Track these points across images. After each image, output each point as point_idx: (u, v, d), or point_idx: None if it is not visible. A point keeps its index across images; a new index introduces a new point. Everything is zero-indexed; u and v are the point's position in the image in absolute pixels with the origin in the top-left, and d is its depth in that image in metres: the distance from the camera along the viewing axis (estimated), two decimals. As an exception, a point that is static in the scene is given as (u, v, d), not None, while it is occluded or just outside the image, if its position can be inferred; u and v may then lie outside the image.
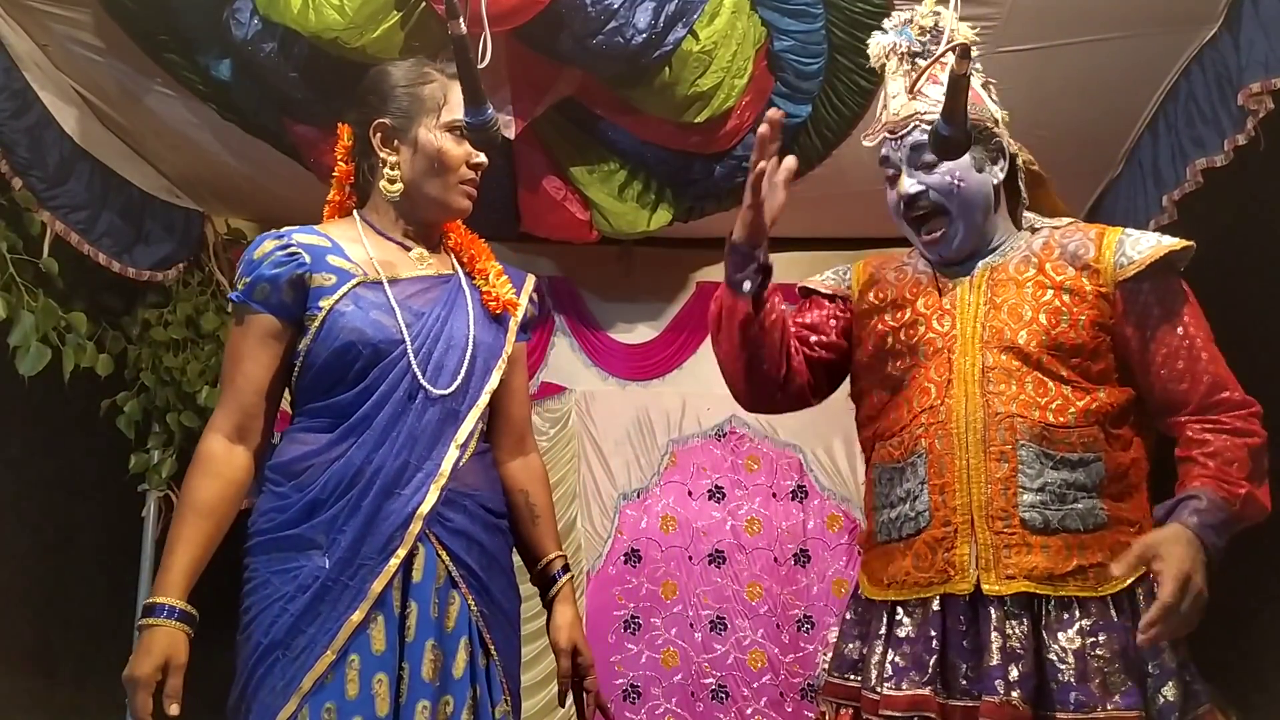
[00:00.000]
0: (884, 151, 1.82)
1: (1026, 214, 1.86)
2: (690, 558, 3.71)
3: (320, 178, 3.04)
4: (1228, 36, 2.60)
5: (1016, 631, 1.58)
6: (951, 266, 1.79)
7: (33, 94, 2.76)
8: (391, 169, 1.79)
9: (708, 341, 3.82)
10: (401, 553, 1.65)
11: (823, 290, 1.92)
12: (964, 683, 1.59)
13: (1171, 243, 1.67)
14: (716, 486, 3.78)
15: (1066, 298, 1.68)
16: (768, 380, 1.79)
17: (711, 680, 3.57)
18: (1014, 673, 1.54)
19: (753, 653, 3.59)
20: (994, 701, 1.54)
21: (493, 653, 1.71)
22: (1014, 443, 1.63)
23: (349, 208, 1.88)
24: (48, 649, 3.25)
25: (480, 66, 1.66)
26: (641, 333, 3.92)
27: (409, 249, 1.83)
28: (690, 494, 3.78)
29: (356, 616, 1.61)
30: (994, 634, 1.58)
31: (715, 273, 3.91)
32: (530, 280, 1.95)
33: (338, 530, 1.65)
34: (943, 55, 1.65)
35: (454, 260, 1.88)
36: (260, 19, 2.52)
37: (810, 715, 3.43)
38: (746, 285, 1.70)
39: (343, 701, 1.59)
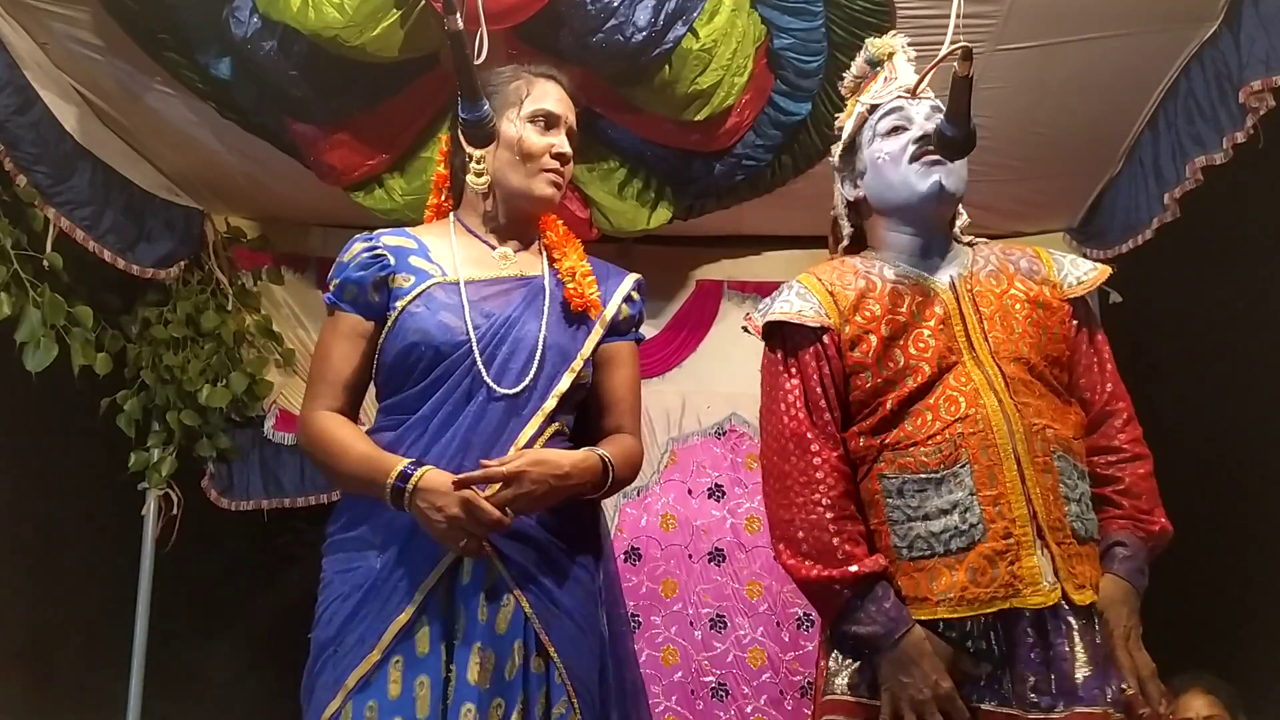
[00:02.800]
0: (896, 103, 1.80)
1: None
2: (690, 556, 3.70)
3: (320, 176, 3.04)
4: (1227, 34, 2.61)
5: (1093, 640, 1.61)
6: (923, 273, 1.79)
7: (34, 92, 2.75)
8: (477, 163, 1.81)
9: (707, 339, 3.88)
10: (450, 555, 1.66)
11: (808, 324, 1.76)
12: (1033, 696, 1.58)
13: (1106, 269, 1.83)
14: (716, 485, 3.78)
15: (1041, 311, 1.75)
16: None
17: (711, 678, 3.57)
18: (1105, 678, 1.59)
19: (753, 651, 3.58)
20: (1096, 711, 1.56)
21: (551, 654, 1.68)
22: (1050, 453, 1.65)
23: (446, 211, 1.92)
24: (47, 647, 3.25)
25: (476, 63, 1.67)
26: (641, 330, 3.91)
27: (495, 248, 1.85)
28: (690, 492, 3.77)
29: (403, 618, 1.64)
30: (1080, 643, 1.60)
31: (715, 270, 3.91)
32: (629, 279, 1.94)
33: (393, 531, 1.67)
34: (945, 57, 1.65)
35: (545, 260, 1.87)
36: (260, 17, 2.51)
37: (810, 713, 3.42)
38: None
39: (385, 701, 1.61)
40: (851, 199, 1.89)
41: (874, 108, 1.84)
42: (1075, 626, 1.60)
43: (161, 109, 2.99)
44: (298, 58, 2.60)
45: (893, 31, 1.95)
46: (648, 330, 3.87)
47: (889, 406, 1.70)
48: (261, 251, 3.66)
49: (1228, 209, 2.99)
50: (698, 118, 2.82)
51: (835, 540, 1.65)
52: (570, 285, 1.83)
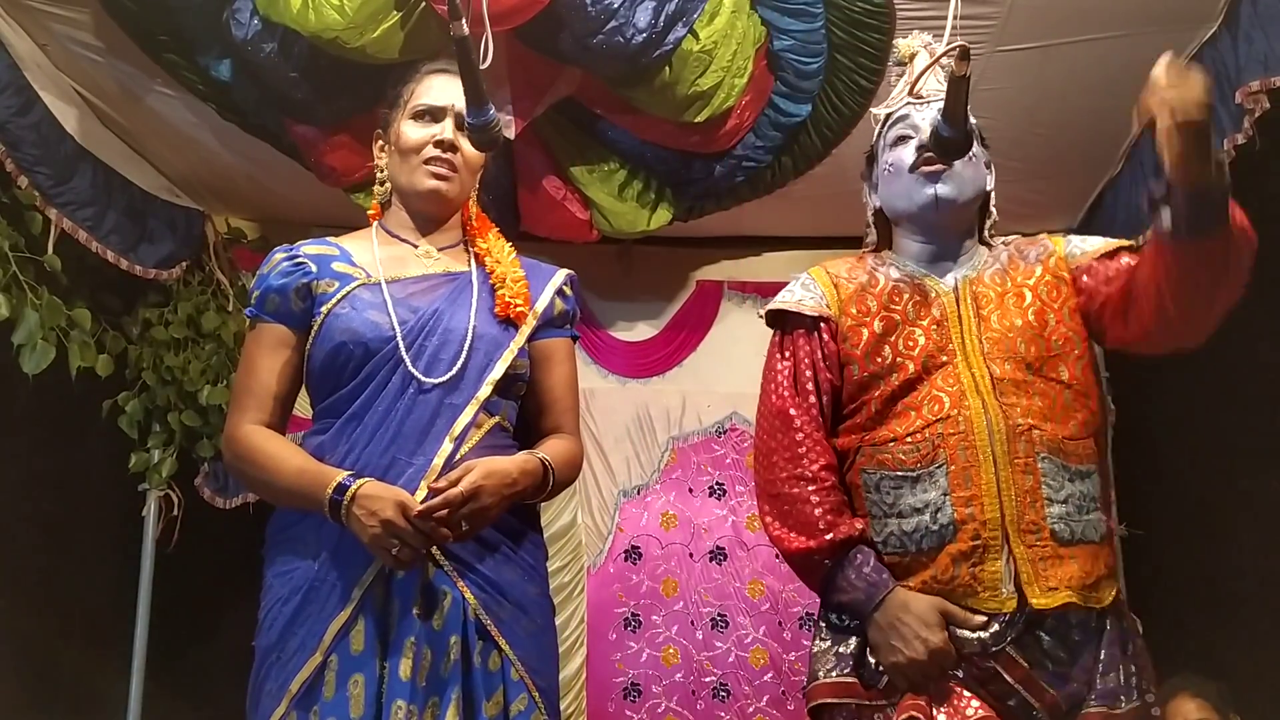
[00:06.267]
0: (904, 111, 1.82)
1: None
2: (691, 555, 3.71)
3: (320, 177, 3.04)
4: (1227, 35, 2.60)
5: (1069, 642, 1.61)
6: (929, 275, 1.80)
7: (34, 93, 2.75)
8: (380, 171, 1.84)
9: (708, 339, 3.90)
10: None
11: (806, 313, 1.81)
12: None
13: (1117, 242, 1.78)
14: (717, 483, 3.79)
15: (1045, 293, 1.74)
16: None
17: (712, 678, 3.57)
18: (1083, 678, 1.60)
19: (754, 650, 3.59)
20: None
21: (504, 647, 1.67)
22: (1034, 455, 1.64)
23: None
24: (48, 647, 3.25)
25: (482, 67, 1.67)
26: (641, 331, 3.92)
27: (417, 246, 1.84)
28: (691, 491, 3.78)
29: (342, 617, 1.61)
30: (1050, 649, 1.61)
31: (715, 271, 3.92)
32: (560, 274, 1.91)
33: (327, 530, 1.64)
34: (943, 56, 1.65)
35: (471, 257, 1.87)
36: (260, 19, 2.51)
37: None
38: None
39: (322, 704, 1.59)
40: (874, 207, 1.91)
41: (887, 117, 1.85)
42: (1040, 636, 1.61)
43: (162, 110, 3.00)
44: (298, 59, 2.60)
45: (916, 32, 1.92)
46: (648, 330, 3.91)
47: (873, 407, 1.73)
48: (262, 252, 3.63)
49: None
50: (698, 119, 2.82)
51: (817, 512, 1.69)
52: (499, 290, 1.81)
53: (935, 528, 1.63)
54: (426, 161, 1.79)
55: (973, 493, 1.62)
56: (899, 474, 1.68)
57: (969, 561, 1.61)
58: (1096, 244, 1.79)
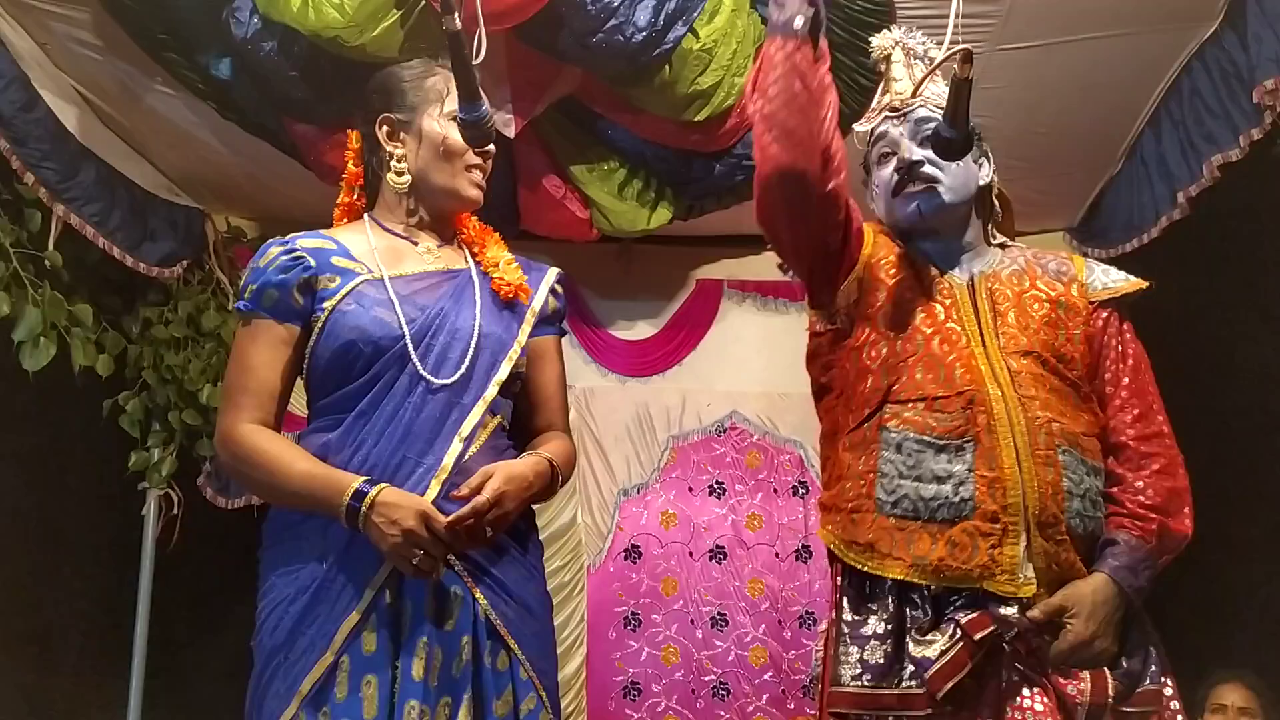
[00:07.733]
0: (882, 128, 1.82)
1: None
2: (691, 554, 3.71)
3: (320, 176, 3.04)
4: (1231, 33, 2.60)
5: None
6: (941, 265, 1.80)
7: (36, 91, 2.75)
8: (399, 161, 1.80)
9: (708, 338, 3.90)
10: None
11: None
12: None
13: (1138, 282, 1.80)
14: (717, 482, 3.79)
15: (1061, 312, 1.75)
16: (814, 147, 1.62)
17: (712, 677, 3.58)
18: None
19: (754, 649, 3.59)
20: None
21: (514, 648, 1.67)
22: (1055, 447, 1.64)
23: (359, 210, 1.89)
24: (48, 647, 3.26)
25: (475, 63, 1.66)
26: (641, 330, 3.92)
27: (416, 244, 1.82)
28: (691, 490, 3.78)
29: (354, 617, 1.60)
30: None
31: (715, 270, 3.93)
32: (552, 272, 1.92)
33: (334, 530, 1.62)
34: (947, 59, 1.65)
35: (467, 254, 1.86)
36: (260, 18, 2.51)
37: (812, 712, 3.43)
38: (799, 22, 1.54)
39: (334, 705, 1.57)
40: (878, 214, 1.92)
41: (870, 133, 1.85)
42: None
43: (162, 109, 2.99)
44: (298, 58, 2.60)
45: (887, 30, 1.91)
46: (648, 329, 3.91)
47: (888, 344, 1.72)
48: (260, 251, 3.66)
49: (1234, 208, 2.98)
50: (698, 118, 2.82)
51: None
52: (495, 274, 1.81)
53: (955, 500, 1.62)
54: (469, 167, 1.80)
55: (996, 475, 1.62)
56: (927, 439, 1.66)
57: (988, 542, 1.60)
58: (1116, 279, 1.80)
